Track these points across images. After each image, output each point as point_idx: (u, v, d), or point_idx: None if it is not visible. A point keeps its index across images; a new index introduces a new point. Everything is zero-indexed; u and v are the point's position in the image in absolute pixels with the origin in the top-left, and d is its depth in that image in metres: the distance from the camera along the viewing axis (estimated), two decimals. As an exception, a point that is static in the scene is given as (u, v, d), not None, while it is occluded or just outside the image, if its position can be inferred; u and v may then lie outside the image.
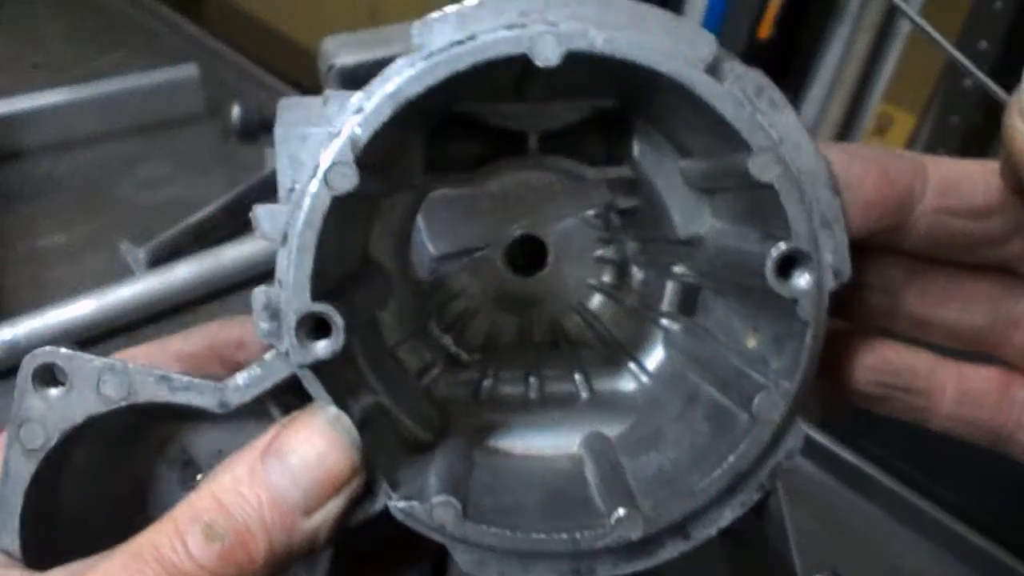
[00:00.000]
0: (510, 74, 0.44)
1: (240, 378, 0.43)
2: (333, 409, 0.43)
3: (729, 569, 0.72)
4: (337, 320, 0.41)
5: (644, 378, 0.56)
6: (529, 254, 0.59)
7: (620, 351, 0.58)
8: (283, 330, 0.41)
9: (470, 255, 0.60)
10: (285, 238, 0.41)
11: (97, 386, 0.43)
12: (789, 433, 0.44)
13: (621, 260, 0.60)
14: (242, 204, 1.30)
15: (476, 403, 0.56)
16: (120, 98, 1.47)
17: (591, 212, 0.59)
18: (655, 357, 0.57)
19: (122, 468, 0.48)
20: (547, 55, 0.40)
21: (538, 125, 0.52)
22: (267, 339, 0.42)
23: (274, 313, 0.41)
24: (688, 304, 0.55)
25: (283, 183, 0.42)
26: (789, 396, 0.42)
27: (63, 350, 0.43)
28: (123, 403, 0.43)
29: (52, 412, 0.43)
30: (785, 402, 0.42)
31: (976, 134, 1.23)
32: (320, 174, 0.40)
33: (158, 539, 0.39)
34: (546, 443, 0.53)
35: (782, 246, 0.41)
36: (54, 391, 0.43)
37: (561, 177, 0.57)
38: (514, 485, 0.48)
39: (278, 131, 0.42)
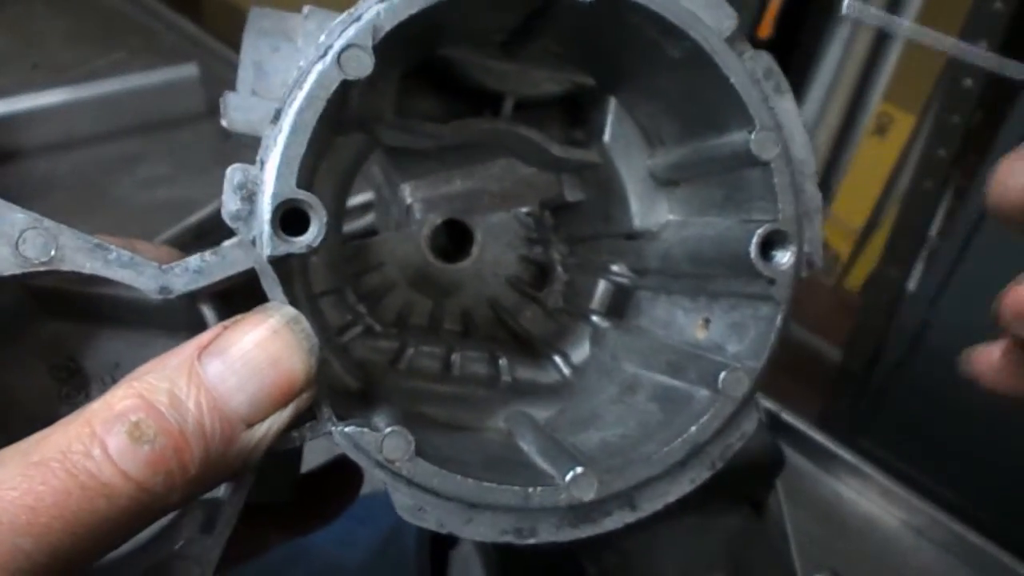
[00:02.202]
0: (522, 11, 0.43)
1: (191, 262, 0.37)
2: (291, 309, 0.37)
3: (729, 569, 0.72)
4: (320, 211, 0.37)
5: (567, 371, 0.56)
6: (454, 240, 0.59)
7: (540, 347, 0.58)
8: (256, 215, 0.38)
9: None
10: (277, 115, 0.38)
11: (16, 242, 0.35)
12: (744, 415, 0.44)
13: (545, 261, 0.60)
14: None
15: (394, 370, 0.55)
16: (120, 98, 1.47)
17: (524, 209, 0.58)
18: (580, 353, 0.57)
19: None
20: None
21: (517, 89, 0.52)
22: (232, 222, 0.38)
23: (249, 195, 0.38)
24: (618, 306, 0.55)
25: (242, 88, 0.40)
26: (754, 374, 0.43)
27: None
28: (42, 268, 0.35)
29: None
30: (750, 379, 0.43)
31: (976, 134, 1.23)
32: (332, 55, 0.37)
33: (65, 441, 0.32)
34: (469, 415, 0.52)
35: (770, 226, 0.41)
36: None
37: (524, 158, 0.56)
38: (447, 444, 0.46)
39: (247, 37, 0.40)
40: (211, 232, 1.25)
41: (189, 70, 1.52)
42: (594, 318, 0.56)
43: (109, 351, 0.41)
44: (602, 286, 0.56)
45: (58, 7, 1.79)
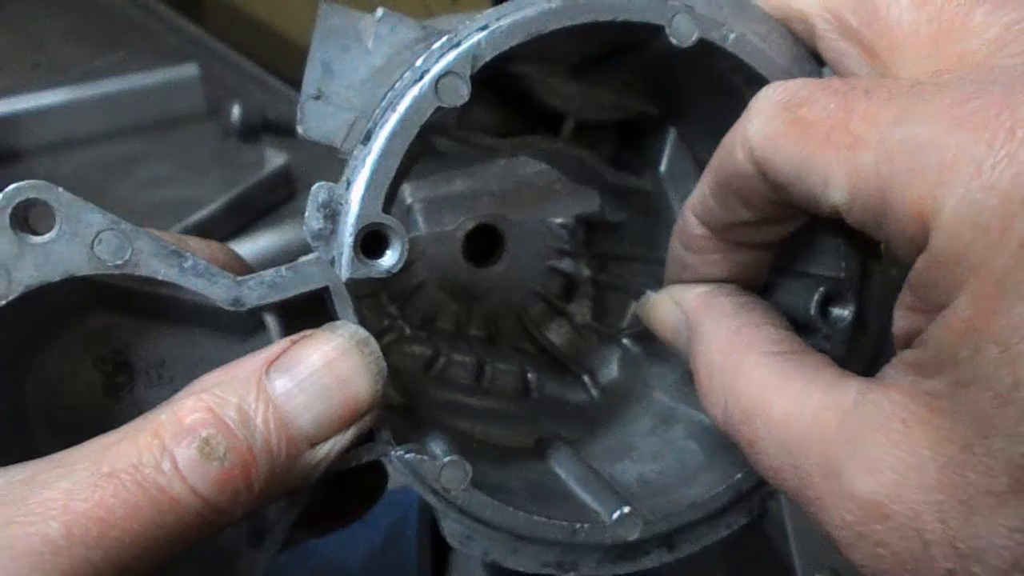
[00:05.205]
0: (609, 44, 0.43)
1: (266, 276, 0.37)
2: (362, 330, 0.37)
3: (729, 569, 0.72)
4: (403, 236, 0.37)
5: (595, 392, 0.56)
6: (487, 245, 0.58)
7: (565, 362, 0.57)
8: (337, 235, 0.37)
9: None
10: (368, 136, 0.38)
11: (92, 243, 0.35)
12: None
13: (574, 275, 0.60)
14: (242, 204, 1.30)
15: (427, 377, 0.55)
16: (120, 98, 1.47)
17: (558, 221, 0.58)
18: (608, 374, 0.57)
19: (35, 352, 0.40)
20: (683, 34, 0.39)
21: (580, 111, 0.51)
22: (313, 240, 0.38)
23: (331, 214, 0.37)
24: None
25: (308, 88, 0.39)
26: None
27: (61, 189, 0.35)
28: (116, 270, 0.35)
29: (24, 260, 0.34)
30: None
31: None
32: (429, 81, 0.37)
33: (136, 452, 0.32)
34: (502, 432, 0.52)
35: (832, 283, 0.42)
36: (34, 237, 0.35)
37: (574, 177, 0.56)
38: (492, 470, 0.47)
39: (317, 35, 0.40)
40: (211, 232, 1.25)
41: (189, 70, 1.52)
42: (624, 340, 0.56)
43: (157, 347, 0.41)
44: (633, 308, 0.56)
45: (58, 7, 1.79)
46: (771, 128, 0.34)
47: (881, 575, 0.31)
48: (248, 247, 1.21)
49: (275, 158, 1.37)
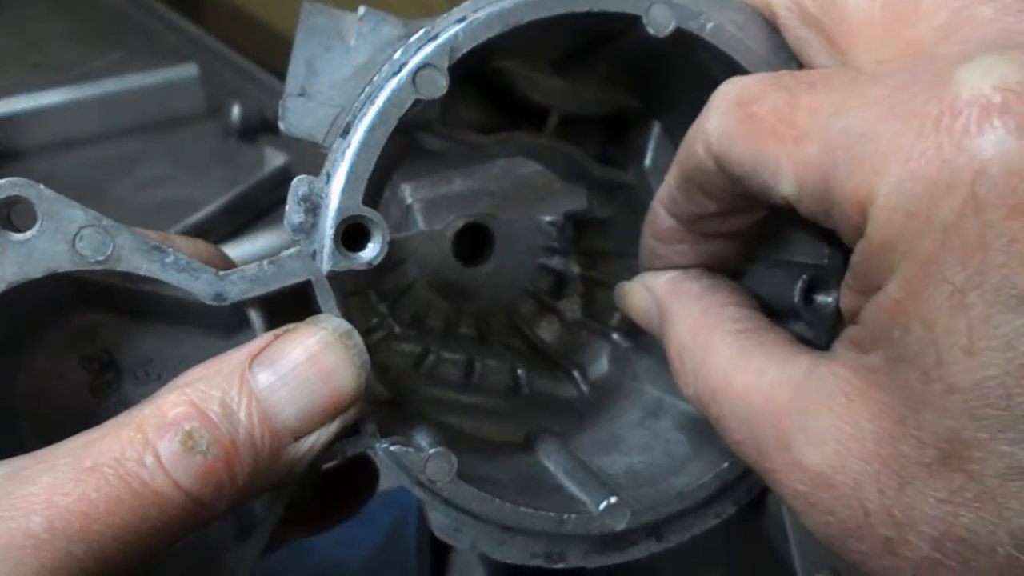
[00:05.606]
0: (590, 37, 0.43)
1: (248, 271, 0.37)
2: (345, 323, 0.37)
3: (728, 569, 0.72)
4: (383, 228, 0.38)
5: (585, 387, 0.56)
6: (477, 244, 0.59)
7: (555, 358, 0.58)
8: (318, 228, 0.38)
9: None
10: (347, 129, 0.38)
11: (73, 240, 0.35)
12: None
13: (563, 272, 0.60)
14: (242, 204, 1.30)
15: (416, 374, 0.55)
16: (120, 98, 1.47)
17: (547, 218, 0.59)
18: (598, 368, 0.57)
19: (21, 352, 0.40)
20: (660, 24, 0.40)
21: (563, 106, 0.51)
22: (294, 234, 0.38)
23: (312, 207, 0.38)
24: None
25: (291, 87, 0.40)
26: None
27: (42, 187, 0.35)
28: (98, 266, 0.35)
29: (6, 257, 0.35)
30: None
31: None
32: (407, 73, 0.38)
33: (118, 446, 0.32)
34: (492, 427, 0.52)
35: (815, 271, 0.42)
36: (15, 234, 0.35)
37: (560, 173, 0.56)
38: (480, 463, 0.47)
39: (300, 34, 0.40)
40: (211, 232, 1.25)
41: (189, 70, 1.52)
42: (614, 335, 0.57)
43: (143, 346, 0.41)
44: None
45: (58, 7, 1.79)
46: (726, 124, 0.35)
47: (831, 541, 0.33)
48: (248, 247, 1.22)
49: (275, 158, 1.37)
